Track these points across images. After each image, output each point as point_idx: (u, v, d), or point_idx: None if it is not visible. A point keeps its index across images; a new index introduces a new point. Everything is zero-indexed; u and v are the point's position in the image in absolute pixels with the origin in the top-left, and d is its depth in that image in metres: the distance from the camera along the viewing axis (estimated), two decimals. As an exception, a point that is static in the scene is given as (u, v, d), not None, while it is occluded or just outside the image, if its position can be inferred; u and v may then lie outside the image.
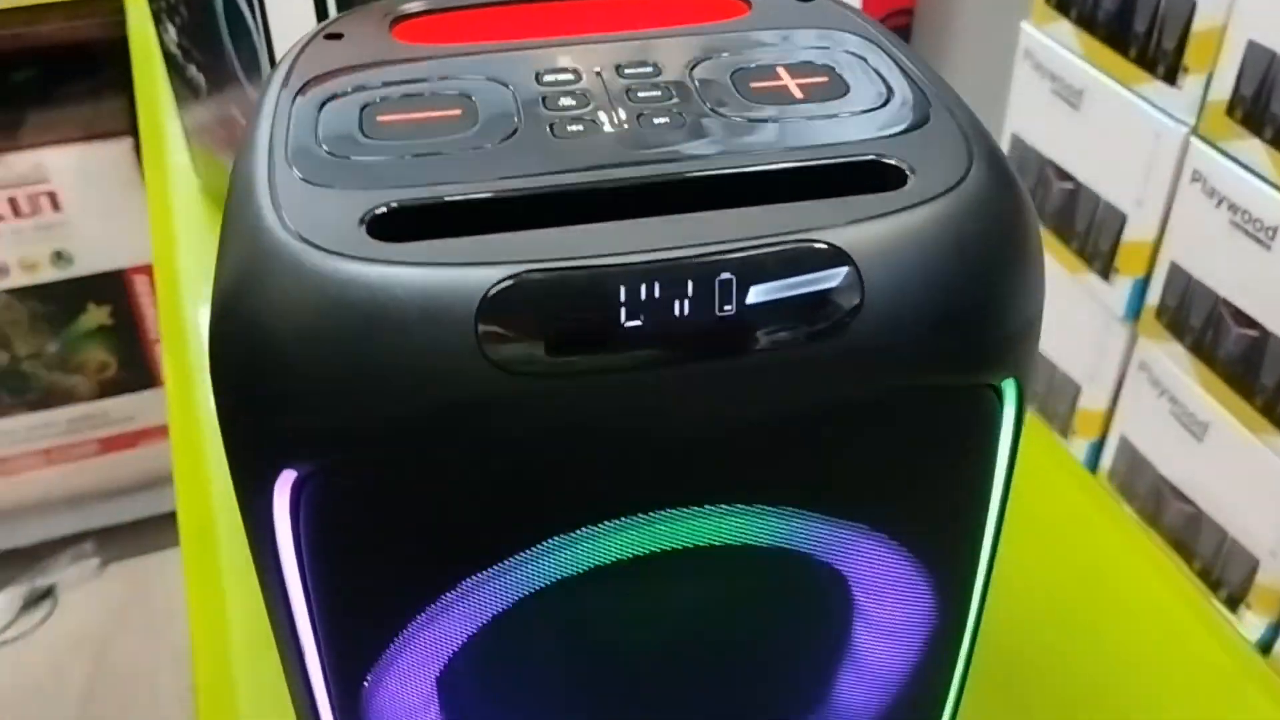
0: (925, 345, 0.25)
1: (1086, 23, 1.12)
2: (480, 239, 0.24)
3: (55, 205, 1.11)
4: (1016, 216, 0.26)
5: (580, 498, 0.25)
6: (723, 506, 0.26)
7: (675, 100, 0.28)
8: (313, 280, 0.23)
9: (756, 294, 0.23)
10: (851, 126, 0.27)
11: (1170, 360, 1.11)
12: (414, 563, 0.26)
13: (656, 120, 0.27)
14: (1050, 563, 0.48)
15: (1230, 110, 1.00)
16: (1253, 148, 0.98)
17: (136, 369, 1.27)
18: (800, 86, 0.29)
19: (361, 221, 0.24)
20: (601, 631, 0.30)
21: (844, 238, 0.24)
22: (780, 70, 0.29)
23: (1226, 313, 1.04)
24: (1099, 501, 0.52)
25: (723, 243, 0.23)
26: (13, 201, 1.10)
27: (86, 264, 1.17)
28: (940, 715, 0.34)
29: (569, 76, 0.29)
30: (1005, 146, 1.28)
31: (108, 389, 1.26)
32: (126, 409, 1.28)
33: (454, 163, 0.26)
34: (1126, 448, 1.21)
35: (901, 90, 0.28)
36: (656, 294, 0.23)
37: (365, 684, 0.28)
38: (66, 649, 1.26)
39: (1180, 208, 1.06)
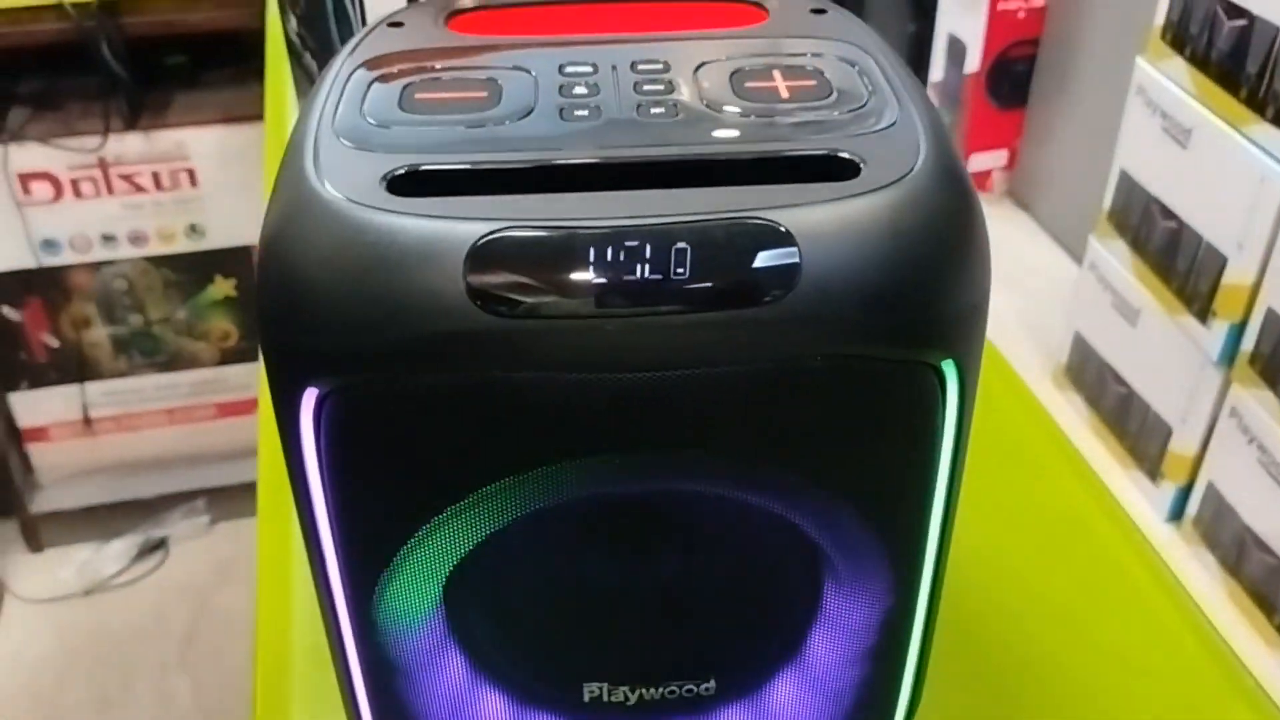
0: (858, 320, 0.27)
1: (1200, 61, 1.11)
2: (477, 199, 0.28)
3: (193, 181, 1.20)
4: (958, 211, 0.29)
5: (544, 435, 0.29)
6: (673, 453, 0.29)
7: (675, 95, 0.32)
8: (335, 224, 0.28)
9: (706, 261, 0.27)
10: (825, 124, 0.30)
11: (1261, 408, 1.09)
12: (414, 477, 0.30)
13: (654, 110, 0.31)
14: (1044, 558, 0.49)
15: (1339, 157, 0.98)
16: (1361, 196, 0.97)
17: (256, 340, 1.35)
18: (789, 88, 0.32)
19: (383, 179, 0.28)
20: (580, 563, 0.33)
21: (787, 217, 0.27)
22: (775, 73, 0.32)
23: (1323, 363, 1.03)
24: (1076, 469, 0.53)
25: (680, 215, 0.27)
26: (156, 176, 1.20)
27: (217, 238, 1.26)
28: (901, 679, 0.37)
29: (588, 69, 0.33)
30: (1113, 181, 1.27)
31: (228, 357, 1.35)
32: (244, 377, 1.36)
33: (471, 135, 0.30)
34: (1213, 495, 1.18)
35: (879, 95, 0.31)
36: (620, 255, 0.27)
37: (376, 586, 0.32)
38: (173, 597, 1.35)
39: (1281, 253, 1.05)
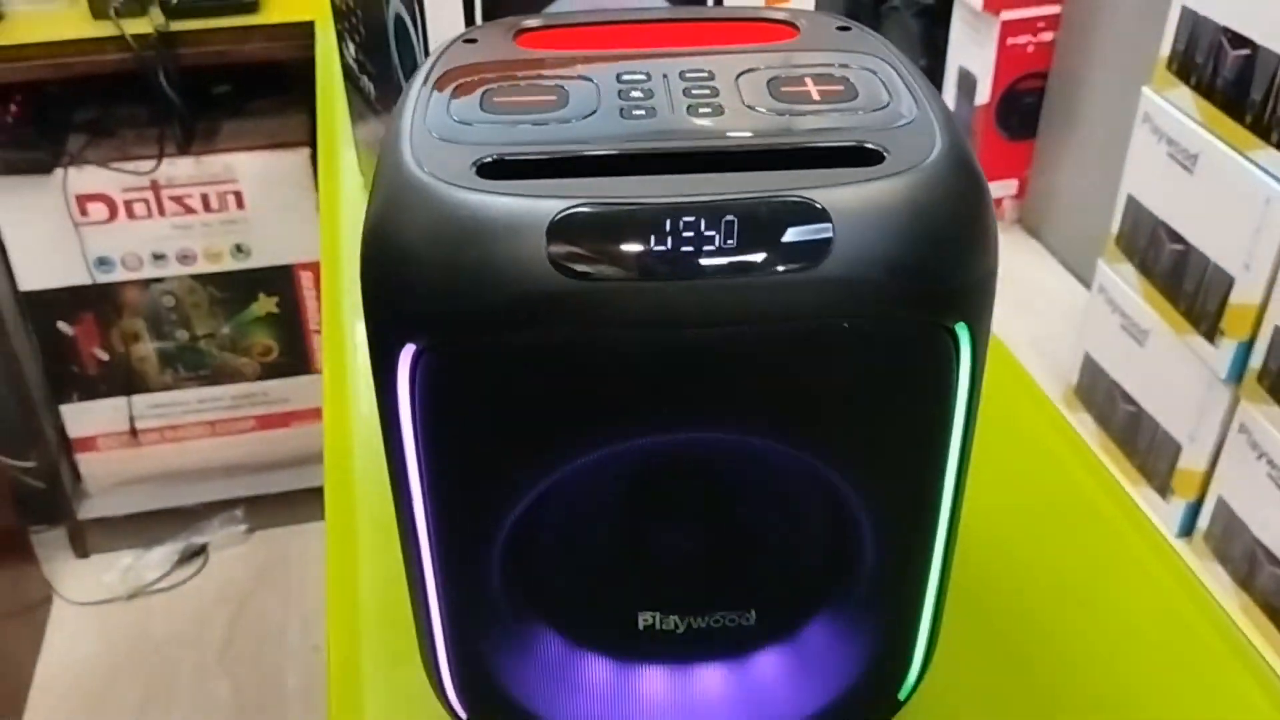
0: (884, 285, 0.32)
1: (1205, 89, 1.16)
2: (555, 181, 0.32)
3: (240, 203, 1.26)
4: (969, 192, 0.33)
5: (614, 388, 0.33)
6: (724, 405, 0.34)
7: (719, 98, 0.36)
8: (434, 202, 0.32)
9: (751, 232, 0.31)
10: (852, 121, 0.35)
11: (1270, 424, 1.13)
12: (499, 429, 0.35)
13: (701, 110, 0.36)
14: (1053, 537, 0.53)
15: (1340, 180, 1.02)
16: (1361, 218, 1.01)
17: (295, 355, 1.40)
18: (820, 91, 0.36)
19: (472, 165, 0.33)
20: (635, 507, 0.38)
21: (821, 195, 0.31)
22: (807, 79, 0.37)
23: (1327, 379, 1.06)
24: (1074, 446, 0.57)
25: (729, 194, 0.32)
26: (204, 198, 1.26)
27: (261, 257, 1.31)
28: (918, 626, 0.41)
29: (642, 77, 0.38)
30: (1120, 206, 1.32)
31: (269, 371, 1.40)
32: (283, 391, 1.41)
33: (545, 130, 0.35)
34: (1223, 509, 1.22)
35: (899, 98, 0.36)
36: (677, 227, 0.31)
37: (457, 530, 0.37)
38: (212, 602, 1.40)
39: (1286, 273, 1.08)
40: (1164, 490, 1.32)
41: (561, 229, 0.31)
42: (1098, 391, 1.42)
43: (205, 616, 1.40)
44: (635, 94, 0.37)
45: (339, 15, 0.78)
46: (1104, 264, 1.36)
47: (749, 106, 0.36)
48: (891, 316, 0.33)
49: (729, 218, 0.31)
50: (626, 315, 0.32)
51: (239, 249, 1.32)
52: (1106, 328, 1.37)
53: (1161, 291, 1.27)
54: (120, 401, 1.40)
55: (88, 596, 1.37)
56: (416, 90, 0.38)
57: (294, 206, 1.28)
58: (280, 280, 1.35)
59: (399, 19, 0.62)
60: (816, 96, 0.36)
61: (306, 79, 1.09)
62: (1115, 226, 1.33)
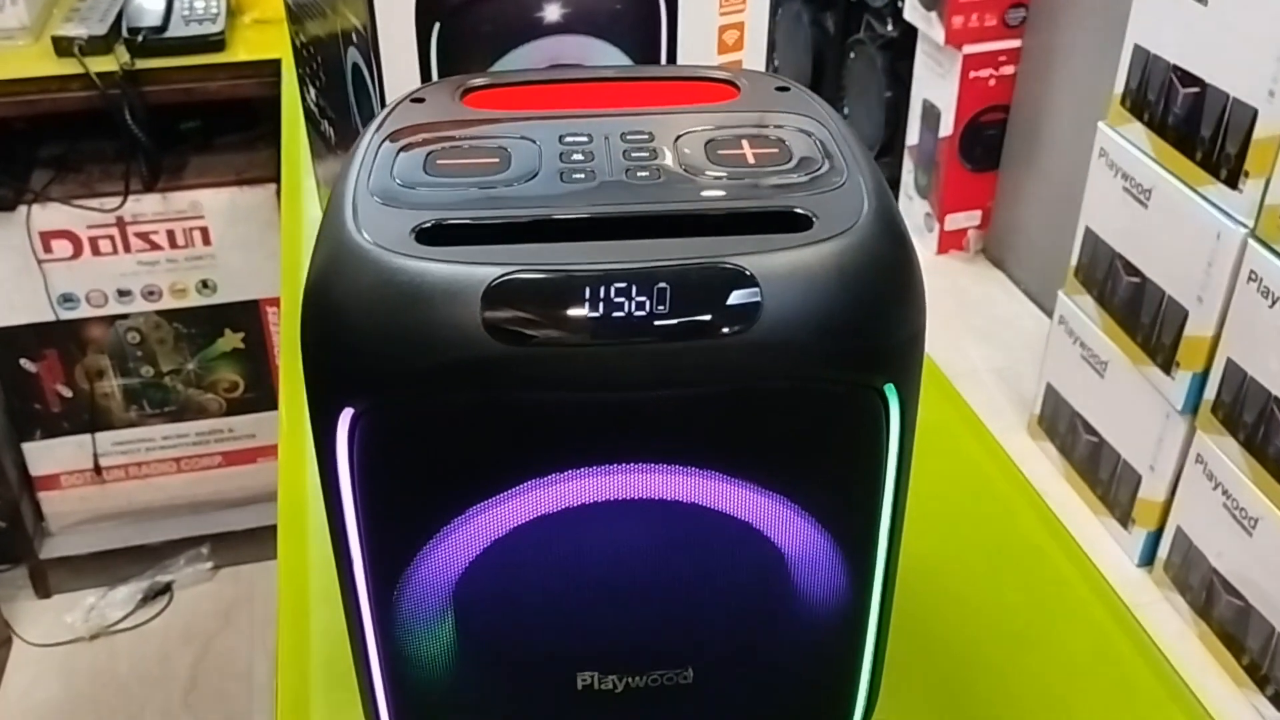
0: (812, 348, 0.33)
1: (1158, 126, 1.18)
2: (492, 247, 0.33)
3: (206, 239, 1.26)
4: (896, 256, 0.34)
5: (547, 447, 0.34)
6: (657, 465, 0.34)
7: (658, 160, 0.37)
8: (372, 267, 0.33)
9: (682, 298, 0.32)
10: (784, 184, 0.36)
11: (1224, 455, 1.15)
12: (434, 486, 0.35)
13: (640, 174, 0.36)
14: (998, 578, 0.54)
15: (1288, 215, 1.05)
16: (1309, 253, 1.03)
17: (261, 391, 1.40)
18: (755, 154, 0.37)
19: (411, 230, 0.34)
20: (573, 563, 0.38)
21: (750, 262, 0.32)
22: (744, 142, 0.38)
23: (1278, 411, 1.08)
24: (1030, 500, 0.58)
25: (661, 260, 0.32)
26: (170, 234, 1.26)
27: (227, 293, 1.31)
28: (858, 676, 0.41)
29: (584, 139, 0.38)
30: (1079, 239, 1.34)
31: (235, 407, 1.40)
32: (249, 427, 1.41)
33: (486, 194, 0.36)
34: (1182, 539, 1.23)
35: (832, 161, 0.37)
36: (610, 293, 0.32)
37: (395, 588, 0.37)
38: (177, 642, 1.39)
39: (1237, 306, 1.10)
40: (1125, 520, 1.33)
41: (496, 295, 0.32)
42: (1060, 421, 1.44)
43: (170, 656, 1.39)
44: (576, 156, 0.38)
45: (300, 60, 0.79)
46: (1064, 295, 1.38)
47: (686, 170, 0.37)
48: (820, 378, 0.34)
49: (661, 284, 0.32)
50: (560, 379, 0.33)
51: (205, 285, 1.32)
52: (1067, 358, 1.39)
53: (1120, 323, 1.29)
54: (84, 439, 1.39)
55: (49, 638, 1.36)
56: (361, 152, 0.39)
57: (260, 242, 1.28)
58: (246, 316, 1.35)
59: (356, 68, 0.63)
60: (752, 160, 0.37)
61: (273, 116, 1.10)
62: (1074, 258, 1.35)
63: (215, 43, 1.21)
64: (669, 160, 0.37)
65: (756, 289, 0.32)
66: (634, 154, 0.38)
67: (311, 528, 0.61)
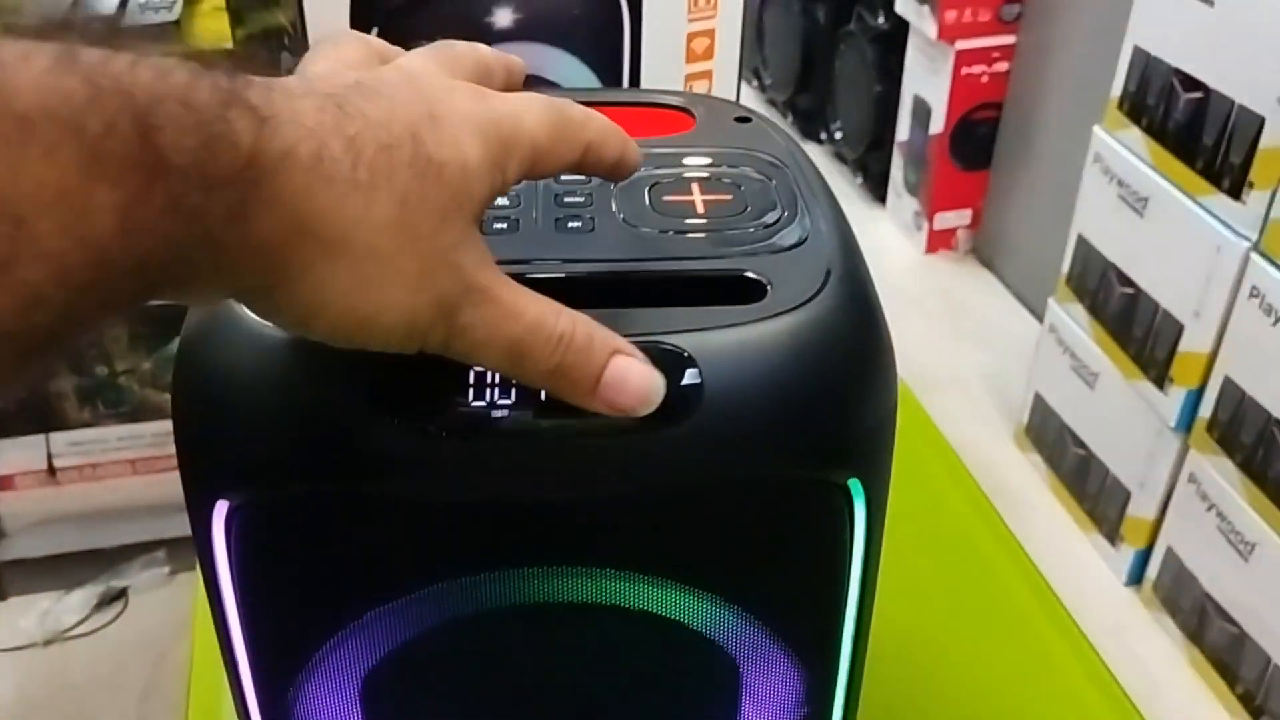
0: (762, 442, 0.28)
1: (1157, 132, 1.13)
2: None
3: (161, 234, 1.20)
4: (861, 334, 0.29)
5: (445, 552, 0.29)
6: (583, 569, 0.29)
7: (593, 208, 0.32)
8: (248, 344, 0.28)
9: (609, 385, 0.27)
10: (736, 242, 0.31)
11: (1220, 476, 1.10)
12: (323, 588, 0.31)
13: (571, 225, 0.31)
14: (972, 637, 0.50)
15: (1292, 229, 1.00)
16: (1313, 268, 0.98)
17: (222, 392, 1.36)
18: (705, 202, 0.32)
19: (296, 295, 0.29)
20: (493, 669, 0.33)
21: (690, 342, 0.27)
22: (693, 186, 0.33)
23: (1278, 433, 1.04)
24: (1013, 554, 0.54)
25: (585, 338, 0.27)
26: (124, 228, 1.20)
27: (184, 290, 1.26)
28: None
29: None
30: (1070, 246, 1.29)
31: (193, 408, 1.35)
32: (208, 428, 1.36)
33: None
34: (1172, 560, 1.19)
35: (791, 212, 0.32)
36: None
37: (289, 693, 0.32)
38: (132, 648, 1.34)
39: (1237, 322, 1.06)
40: (1113, 537, 1.29)
41: (391, 379, 0.27)
42: (1048, 432, 1.39)
43: (125, 663, 1.33)
44: (501, 201, 0.32)
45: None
46: (1054, 303, 1.34)
47: (625, 220, 0.32)
48: (773, 474, 0.29)
49: (583, 367, 0.27)
50: (464, 480, 0.28)
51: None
52: (1057, 368, 1.35)
53: (1111, 334, 1.24)
54: (37, 439, 1.34)
55: (2, 643, 1.31)
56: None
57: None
58: (205, 314, 1.31)
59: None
60: (701, 209, 0.32)
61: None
62: (1066, 266, 1.30)
63: (167, 30, 1.15)
64: (605, 209, 0.32)
65: (697, 373, 0.27)
66: (566, 199, 0.33)
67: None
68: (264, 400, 0.28)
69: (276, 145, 0.21)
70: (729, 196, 0.33)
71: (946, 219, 1.74)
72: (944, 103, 1.64)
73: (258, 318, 0.27)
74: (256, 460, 0.28)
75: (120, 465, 1.37)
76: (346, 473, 0.28)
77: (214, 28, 1.16)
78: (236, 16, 0.71)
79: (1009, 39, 1.60)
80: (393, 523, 0.29)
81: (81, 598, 1.37)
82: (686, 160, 0.35)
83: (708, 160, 0.35)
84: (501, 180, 0.25)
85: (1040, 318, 1.41)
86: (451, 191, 0.24)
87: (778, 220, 0.32)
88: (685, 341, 0.27)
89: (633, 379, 0.26)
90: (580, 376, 0.25)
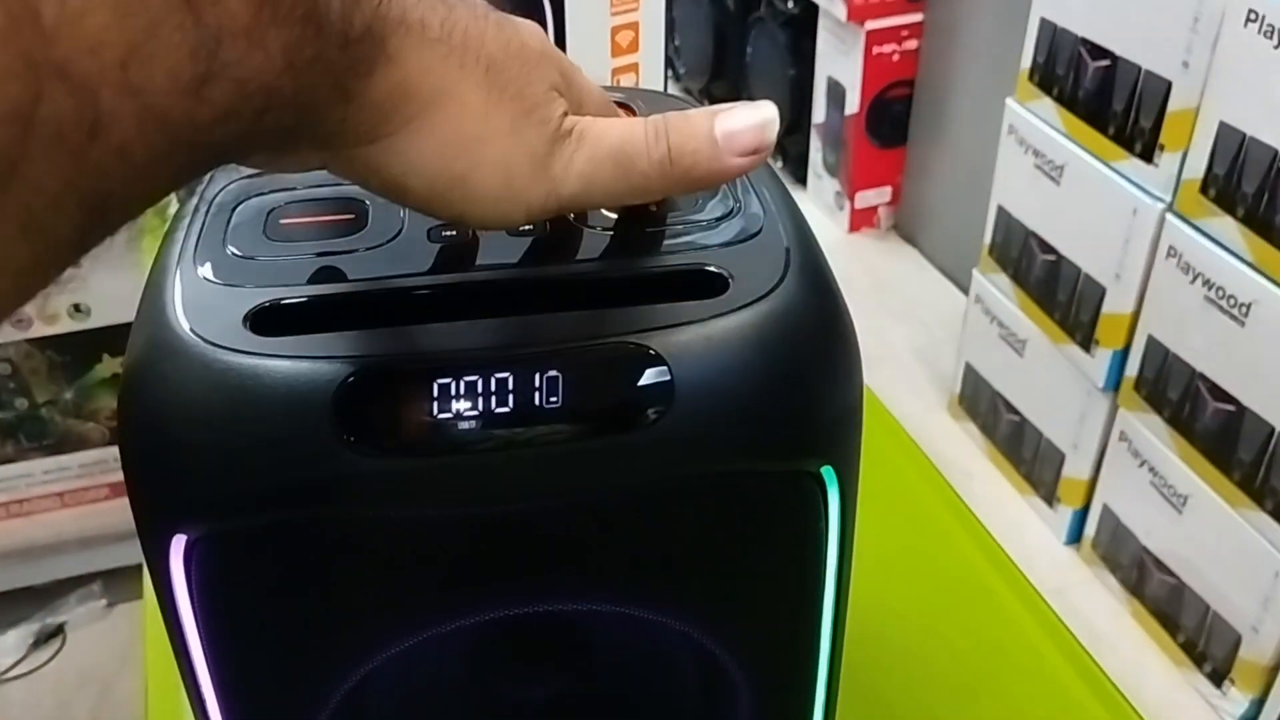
0: (735, 436, 0.28)
1: (1068, 101, 1.16)
2: (341, 335, 0.27)
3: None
4: (825, 321, 0.29)
5: (420, 569, 0.28)
6: (558, 577, 0.29)
7: (543, 209, 0.32)
8: (197, 369, 0.27)
9: (578, 388, 0.27)
10: (693, 236, 0.30)
11: (1149, 432, 1.13)
12: (291, 617, 0.30)
13: (522, 228, 0.31)
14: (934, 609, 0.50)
15: (1204, 188, 1.02)
16: (1226, 225, 1.01)
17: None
18: (659, 200, 0.32)
19: (245, 318, 0.28)
20: (472, 683, 0.33)
21: (657, 340, 0.27)
22: (642, 182, 0.33)
23: (1203, 387, 1.06)
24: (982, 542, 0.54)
25: (550, 343, 0.27)
26: (34, 256, 1.16)
27: (102, 316, 1.22)
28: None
29: (455, 185, 0.33)
30: (991, 217, 1.31)
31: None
32: (137, 455, 1.33)
33: (337, 261, 0.30)
34: (1109, 517, 1.22)
35: (746, 205, 0.32)
36: (490, 387, 0.26)
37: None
38: (73, 686, 1.30)
39: (1157, 282, 1.08)
40: (1050, 499, 1.32)
41: (350, 397, 0.26)
42: (981, 401, 1.41)
43: (67, 702, 1.30)
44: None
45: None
46: (979, 274, 1.36)
47: (576, 220, 0.31)
48: (747, 469, 0.29)
49: (550, 373, 0.27)
50: (434, 494, 0.27)
51: (77, 309, 1.23)
52: (985, 337, 1.37)
53: (1037, 301, 1.26)
54: (-42, 478, 1.30)
55: (-67, 691, 1.27)
56: (191, 208, 0.33)
57: (134, 261, 1.19)
58: (125, 339, 1.26)
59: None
60: (654, 206, 0.32)
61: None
62: (988, 237, 1.33)
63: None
64: (556, 208, 0.32)
65: (667, 371, 0.27)
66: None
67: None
68: (219, 428, 0.27)
69: (394, 11, 0.24)
70: (679, 190, 0.32)
71: (867, 197, 1.76)
72: (858, 83, 1.66)
73: (207, 339, 0.27)
74: (214, 490, 0.27)
75: (48, 499, 1.33)
76: (308, 498, 0.27)
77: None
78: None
79: (917, 17, 1.62)
80: (360, 545, 0.28)
81: (17, 637, 1.33)
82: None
83: (654, 154, 0.34)
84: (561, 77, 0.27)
85: (964, 289, 1.43)
86: (530, 61, 0.27)
87: (731, 211, 0.31)
88: (652, 340, 0.27)
89: (744, 116, 0.28)
90: (698, 145, 0.27)
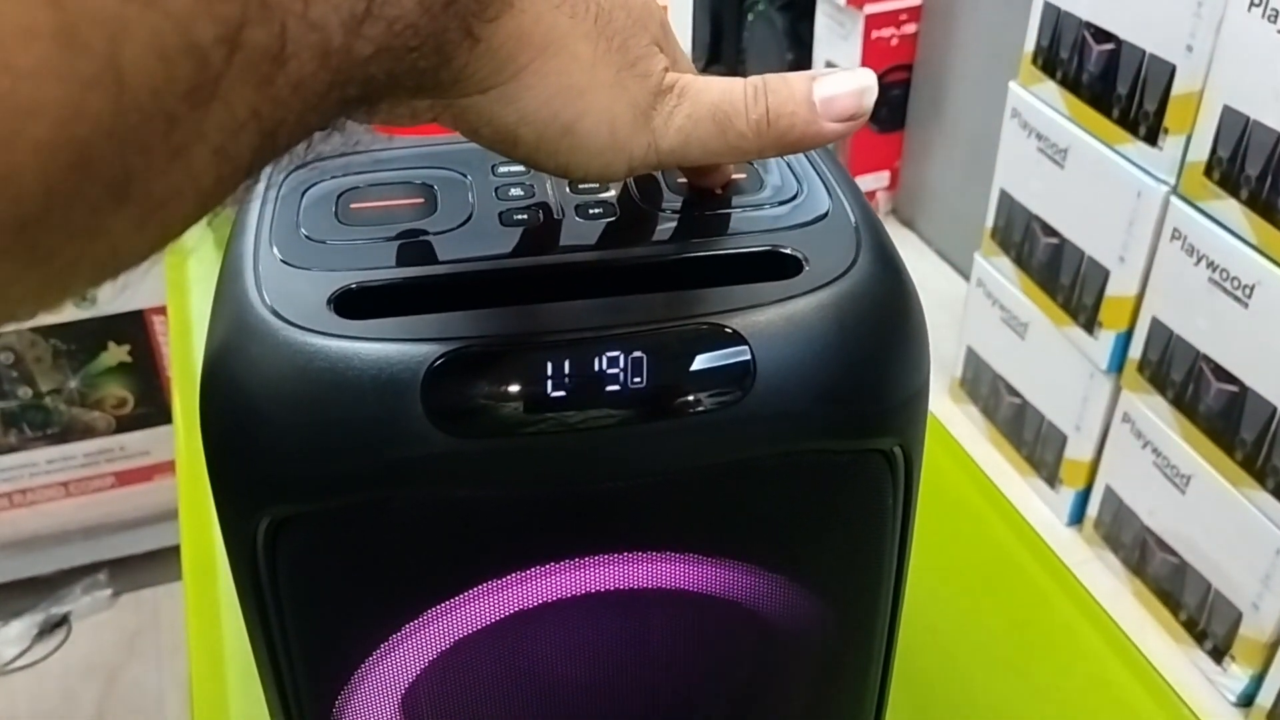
0: (812, 415, 0.28)
1: (1071, 84, 1.16)
2: (428, 317, 0.27)
3: (79, 248, 1.16)
4: (898, 302, 0.30)
5: (513, 546, 0.29)
6: (643, 554, 0.29)
7: (610, 193, 0.32)
8: (284, 352, 0.27)
9: (663, 370, 0.27)
10: (762, 218, 0.31)
11: (1152, 413, 1.14)
12: (372, 602, 0.30)
13: (593, 211, 0.31)
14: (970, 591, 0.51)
15: (1208, 171, 1.03)
16: (1230, 207, 1.02)
17: (153, 405, 1.31)
18: (724, 184, 0.32)
19: (329, 301, 0.28)
20: (546, 663, 0.33)
21: (740, 322, 0.27)
22: (707, 165, 0.33)
23: (1206, 368, 1.08)
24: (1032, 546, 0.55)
25: (634, 324, 0.27)
26: (39, 244, 1.15)
27: (107, 304, 1.22)
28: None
29: (520, 169, 0.33)
30: (994, 201, 1.32)
31: (125, 424, 1.30)
32: (142, 444, 1.32)
33: (413, 246, 0.30)
34: (1112, 498, 1.23)
35: (809, 186, 0.32)
36: (577, 368, 0.27)
37: (334, 709, 0.32)
38: (78, 676, 1.30)
39: (1161, 265, 1.09)
40: (1052, 480, 1.33)
41: (440, 379, 0.27)
42: (982, 384, 1.42)
43: (73, 693, 1.30)
44: (515, 190, 0.32)
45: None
46: (980, 258, 1.37)
47: (645, 204, 0.31)
48: (822, 447, 0.29)
49: (635, 354, 0.27)
50: (522, 474, 0.28)
51: (81, 296, 1.23)
52: (987, 321, 1.38)
53: (1039, 285, 1.27)
54: (-39, 467, 1.29)
55: (-60, 681, 1.26)
56: (261, 193, 0.33)
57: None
58: (130, 327, 1.26)
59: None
60: (719, 189, 0.32)
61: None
62: (990, 220, 1.33)
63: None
64: (623, 192, 0.32)
65: (747, 350, 0.27)
66: (582, 185, 0.32)
67: (217, 544, 0.55)
68: (309, 410, 0.27)
69: None
70: (743, 174, 0.33)
71: (865, 182, 1.77)
72: (856, 67, 1.66)
73: (292, 321, 0.27)
74: (305, 472, 0.28)
75: (53, 489, 1.32)
76: (398, 478, 0.27)
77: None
78: None
79: (915, 1, 1.63)
80: (444, 523, 0.29)
81: (21, 628, 1.33)
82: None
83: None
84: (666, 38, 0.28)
85: (962, 273, 1.44)
86: (635, 14, 0.27)
87: (796, 194, 0.32)
88: (733, 321, 0.28)
89: (843, 81, 0.28)
90: (795, 108, 0.28)
